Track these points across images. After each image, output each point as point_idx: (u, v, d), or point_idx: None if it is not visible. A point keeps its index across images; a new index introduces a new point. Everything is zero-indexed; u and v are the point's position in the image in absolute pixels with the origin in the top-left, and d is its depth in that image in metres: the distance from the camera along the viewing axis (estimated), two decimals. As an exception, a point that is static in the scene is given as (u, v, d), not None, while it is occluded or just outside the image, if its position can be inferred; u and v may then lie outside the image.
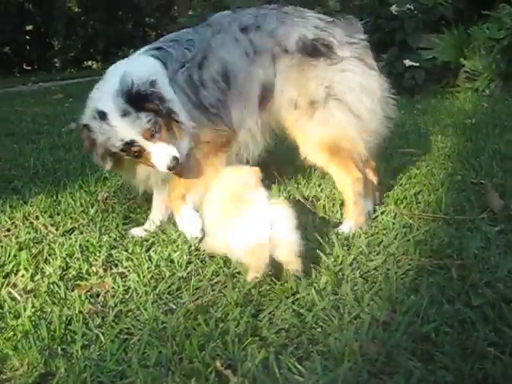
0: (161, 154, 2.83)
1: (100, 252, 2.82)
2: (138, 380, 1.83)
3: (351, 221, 3.09)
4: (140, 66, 3.01)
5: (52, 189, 3.82)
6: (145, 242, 2.93)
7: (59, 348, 2.05)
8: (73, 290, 2.47)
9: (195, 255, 2.78)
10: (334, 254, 2.69)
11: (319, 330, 2.12)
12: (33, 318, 2.22)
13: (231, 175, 2.79)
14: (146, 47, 3.21)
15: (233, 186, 2.67)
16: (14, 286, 2.52)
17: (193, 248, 2.84)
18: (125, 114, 2.80)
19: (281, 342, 2.03)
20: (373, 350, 1.97)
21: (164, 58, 3.07)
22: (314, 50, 3.13)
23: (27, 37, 22.36)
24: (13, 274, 2.63)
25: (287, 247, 2.43)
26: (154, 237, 3.00)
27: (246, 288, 2.38)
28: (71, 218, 3.30)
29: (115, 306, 2.34)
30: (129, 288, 2.49)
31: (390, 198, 3.42)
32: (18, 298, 2.42)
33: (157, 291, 2.43)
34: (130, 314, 2.29)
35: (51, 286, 2.49)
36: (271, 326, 2.15)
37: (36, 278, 2.59)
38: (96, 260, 2.76)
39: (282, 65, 3.16)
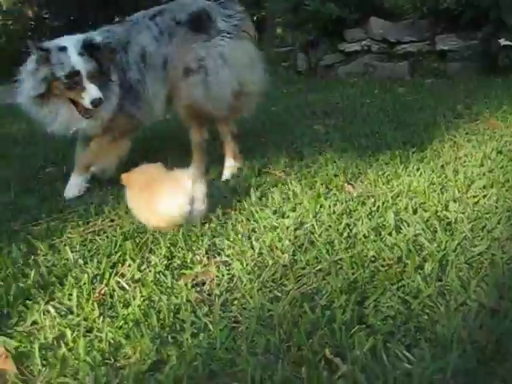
0: (92, 90, 3.52)
1: (202, 241, 2.85)
2: (249, 368, 1.84)
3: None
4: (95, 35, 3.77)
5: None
6: (246, 231, 2.94)
7: (169, 336, 2.08)
8: (178, 279, 2.51)
9: (295, 242, 2.77)
10: (437, 240, 2.64)
11: (426, 317, 2.08)
12: (142, 307, 2.26)
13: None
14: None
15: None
16: (122, 275, 2.58)
17: (292, 234, 2.84)
18: (80, 54, 3.54)
19: (388, 329, 2.01)
20: (481, 337, 1.92)
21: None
22: (198, 22, 3.86)
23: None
24: (119, 264, 2.69)
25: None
26: (255, 224, 3.02)
27: (350, 275, 2.37)
28: (173, 207, 3.34)
29: (221, 294, 2.36)
30: (233, 276, 2.51)
31: (491, 181, 3.33)
32: (127, 287, 2.47)
33: (261, 279, 2.44)
34: (235, 302, 2.30)
35: (157, 276, 2.53)
36: (377, 313, 2.12)
37: (142, 268, 2.64)
38: (199, 249, 2.79)
39: (175, 38, 3.88)
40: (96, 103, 3.54)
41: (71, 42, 3.59)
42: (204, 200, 3.07)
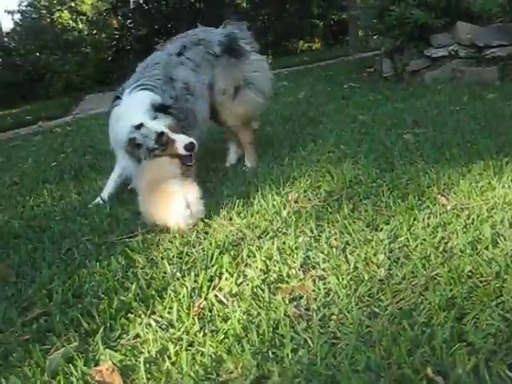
0: (182, 139, 3.80)
1: (297, 254, 2.88)
2: (350, 385, 1.86)
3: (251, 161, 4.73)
4: (148, 96, 4.01)
5: (243, 191, 3.94)
6: (340, 244, 2.95)
7: (270, 352, 2.12)
8: (275, 294, 2.54)
9: (390, 256, 2.77)
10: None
11: (529, 334, 2.06)
12: (241, 322, 2.31)
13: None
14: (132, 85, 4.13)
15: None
16: (220, 289, 2.63)
17: (387, 248, 2.84)
18: (155, 118, 3.86)
19: (489, 347, 1.99)
20: None
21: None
22: (233, 50, 4.50)
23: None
24: (216, 278, 2.74)
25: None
26: (348, 237, 3.02)
27: (448, 291, 2.36)
28: (265, 219, 3.38)
29: (318, 309, 2.38)
30: (329, 290, 2.53)
31: None
32: (225, 301, 2.52)
33: (357, 294, 2.45)
34: (333, 317, 2.32)
35: (255, 290, 2.57)
36: (477, 330, 2.10)
37: (239, 281, 2.68)
38: (294, 262, 2.82)
39: (218, 67, 4.49)
40: (189, 148, 3.81)
41: (140, 114, 3.87)
42: (199, 202, 3.44)
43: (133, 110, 3.93)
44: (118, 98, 4.14)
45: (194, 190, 3.46)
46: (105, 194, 4.22)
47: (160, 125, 3.80)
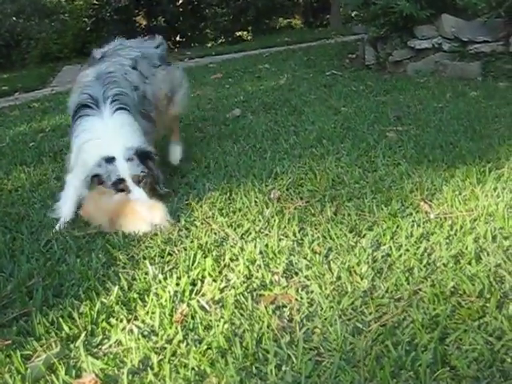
0: (135, 193, 3.59)
1: (280, 259, 2.87)
2: (335, 409, 1.86)
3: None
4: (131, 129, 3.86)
5: (225, 185, 3.92)
6: (323, 250, 2.95)
7: (253, 367, 2.11)
8: (258, 302, 2.53)
9: (373, 266, 2.77)
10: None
11: (510, 361, 2.06)
12: (225, 333, 2.29)
13: None
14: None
15: None
16: (203, 295, 2.62)
17: (370, 257, 2.84)
18: (129, 160, 3.62)
19: (472, 373, 2.00)
20: None
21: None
22: (164, 59, 4.66)
23: (180, 9, 22.98)
24: (199, 281, 2.73)
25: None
26: (331, 243, 3.02)
27: (432, 310, 2.36)
28: (247, 219, 3.37)
29: (301, 321, 2.38)
30: (312, 301, 2.52)
31: None
32: (208, 308, 2.50)
33: (341, 306, 2.45)
34: (317, 330, 2.31)
35: (238, 297, 2.56)
36: (460, 353, 2.10)
37: (222, 286, 2.67)
38: (277, 268, 2.81)
39: (157, 76, 4.46)
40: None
41: (120, 151, 3.66)
42: (164, 217, 3.41)
43: (112, 139, 3.74)
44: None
45: (161, 212, 3.44)
46: (61, 223, 3.65)
47: (127, 170, 3.61)
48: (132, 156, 3.63)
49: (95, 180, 3.60)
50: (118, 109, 3.85)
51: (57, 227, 3.51)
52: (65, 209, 3.71)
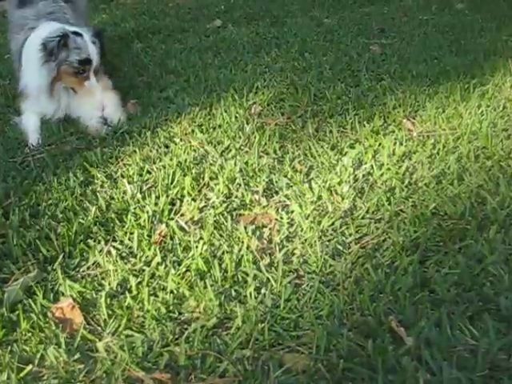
0: (93, 82, 3.56)
1: (260, 177, 2.83)
2: (313, 333, 1.86)
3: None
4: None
5: (205, 100, 3.83)
6: (304, 168, 2.91)
7: (232, 290, 2.10)
8: (238, 222, 2.50)
9: (355, 185, 2.74)
10: (500, 195, 2.58)
11: (489, 286, 2.06)
12: (204, 254, 2.27)
13: None
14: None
15: None
16: (182, 215, 2.58)
17: (351, 177, 2.80)
18: (93, 43, 3.53)
19: (451, 297, 2.00)
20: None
21: None
22: None
23: None
24: (178, 201, 2.69)
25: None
26: (313, 160, 2.98)
27: (412, 232, 2.35)
28: (227, 135, 3.30)
29: (281, 242, 2.36)
30: (292, 221, 2.50)
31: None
32: (187, 228, 2.47)
33: (321, 227, 2.43)
34: (296, 251, 2.30)
35: (217, 217, 2.53)
36: (440, 277, 2.09)
37: (201, 206, 2.64)
38: (257, 186, 2.77)
39: None
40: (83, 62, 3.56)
41: (83, 30, 3.59)
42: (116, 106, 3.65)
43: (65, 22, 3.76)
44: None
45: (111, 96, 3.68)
46: (32, 140, 3.49)
47: (94, 53, 3.53)
48: (94, 39, 3.57)
49: (47, 48, 3.48)
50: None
51: (29, 144, 3.41)
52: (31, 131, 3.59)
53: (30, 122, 3.59)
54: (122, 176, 2.93)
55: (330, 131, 3.28)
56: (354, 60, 4.52)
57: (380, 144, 3.09)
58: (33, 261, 2.31)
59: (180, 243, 2.37)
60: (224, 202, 2.65)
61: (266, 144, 3.17)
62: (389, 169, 2.84)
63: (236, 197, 2.70)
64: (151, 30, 5.91)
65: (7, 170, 3.06)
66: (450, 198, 2.56)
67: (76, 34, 3.51)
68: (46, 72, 3.51)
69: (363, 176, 2.81)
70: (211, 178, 2.86)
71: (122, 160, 3.10)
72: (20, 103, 3.74)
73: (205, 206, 2.64)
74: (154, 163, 3.04)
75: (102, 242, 2.40)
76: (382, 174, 2.80)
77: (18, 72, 3.74)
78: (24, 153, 3.26)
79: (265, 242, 2.38)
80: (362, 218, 2.50)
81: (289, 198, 2.66)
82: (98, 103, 3.58)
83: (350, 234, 2.39)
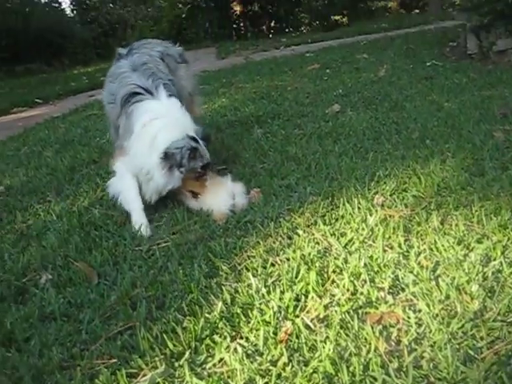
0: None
1: (385, 273, 2.79)
2: None
3: None
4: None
5: (327, 189, 3.85)
6: (430, 264, 2.85)
7: (362, 396, 2.05)
8: (364, 321, 2.46)
9: (484, 284, 2.65)
10: None
11: None
12: (330, 355, 2.24)
13: None
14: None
15: None
16: (307, 312, 2.57)
17: (480, 274, 2.72)
18: (205, 146, 3.79)
19: None
20: None
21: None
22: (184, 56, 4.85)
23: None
24: (303, 296, 2.68)
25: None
26: (439, 256, 2.92)
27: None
28: (350, 227, 3.29)
29: (409, 344, 2.30)
30: (420, 320, 2.44)
31: None
32: (312, 327, 2.46)
33: (450, 329, 2.35)
34: (426, 354, 2.23)
35: (343, 316, 2.50)
36: None
37: (326, 302, 2.61)
38: (382, 282, 2.73)
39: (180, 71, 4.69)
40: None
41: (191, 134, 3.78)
42: (243, 194, 3.78)
43: (177, 119, 3.88)
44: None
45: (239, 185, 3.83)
46: (144, 226, 3.61)
47: (208, 154, 3.80)
48: (204, 143, 3.80)
49: (173, 158, 3.63)
50: (169, 95, 3.96)
51: (144, 234, 3.52)
52: (134, 207, 3.77)
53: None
54: (247, 268, 2.95)
55: (456, 224, 3.20)
56: (477, 147, 4.44)
57: (509, 239, 2.99)
58: (160, 356, 2.34)
59: (306, 342, 2.35)
60: (350, 299, 2.62)
61: (390, 237, 3.13)
62: (520, 266, 2.74)
63: (361, 294, 2.66)
64: (271, 115, 6.06)
65: (133, 258, 3.16)
66: None
67: (193, 139, 3.71)
68: (167, 179, 3.70)
69: (492, 274, 2.72)
70: (335, 272, 2.84)
71: (246, 251, 3.13)
72: None
73: (330, 303, 2.61)
74: (278, 255, 3.06)
75: (228, 338, 2.41)
76: (511, 273, 2.71)
77: (115, 124, 4.03)
78: (149, 241, 3.36)
79: (392, 343, 2.32)
80: (494, 320, 2.40)
81: (415, 296, 2.60)
82: (229, 191, 3.71)
83: (482, 338, 2.30)
